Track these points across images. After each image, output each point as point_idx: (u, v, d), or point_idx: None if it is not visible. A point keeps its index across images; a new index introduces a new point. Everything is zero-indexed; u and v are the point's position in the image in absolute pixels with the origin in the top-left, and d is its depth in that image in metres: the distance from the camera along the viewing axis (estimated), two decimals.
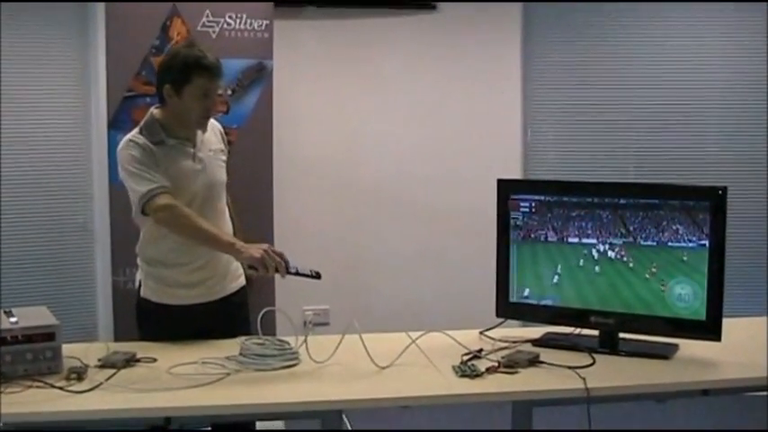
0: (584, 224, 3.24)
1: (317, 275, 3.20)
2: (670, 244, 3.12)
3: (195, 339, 3.26)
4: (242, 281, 3.54)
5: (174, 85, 3.19)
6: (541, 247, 3.31)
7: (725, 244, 3.04)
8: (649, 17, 5.44)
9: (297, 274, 3.18)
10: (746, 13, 5.43)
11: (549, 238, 3.29)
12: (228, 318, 3.40)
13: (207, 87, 3.20)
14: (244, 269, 3.42)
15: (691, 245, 3.08)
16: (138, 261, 3.42)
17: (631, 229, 3.17)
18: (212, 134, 3.41)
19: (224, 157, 3.43)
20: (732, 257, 5.16)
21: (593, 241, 3.23)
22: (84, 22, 4.96)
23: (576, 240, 3.25)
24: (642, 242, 3.15)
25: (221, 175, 3.40)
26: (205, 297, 3.36)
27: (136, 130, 3.28)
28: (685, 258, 3.11)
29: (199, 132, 3.32)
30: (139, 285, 3.42)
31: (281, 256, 3.15)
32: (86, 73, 4.97)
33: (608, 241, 3.20)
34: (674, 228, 3.10)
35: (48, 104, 4.91)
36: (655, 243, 3.14)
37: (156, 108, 3.30)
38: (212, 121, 3.45)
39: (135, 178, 3.19)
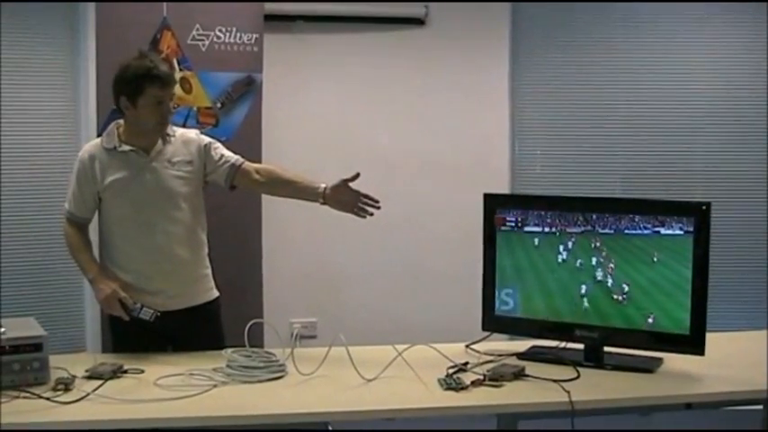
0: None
1: (156, 318, 3.32)
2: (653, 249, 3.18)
3: (164, 349, 3.34)
4: (213, 293, 3.58)
5: (129, 97, 3.31)
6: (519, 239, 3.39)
7: (709, 260, 3.07)
8: (638, 34, 5.48)
9: (138, 316, 3.30)
10: (739, 27, 5.49)
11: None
12: (195, 329, 3.45)
13: (159, 96, 3.31)
14: None
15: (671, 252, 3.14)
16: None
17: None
18: (181, 146, 3.46)
19: (187, 167, 3.45)
20: (732, 272, 5.27)
21: (575, 230, 3.31)
22: (75, 37, 4.96)
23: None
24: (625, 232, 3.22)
25: (177, 185, 3.42)
26: (169, 306, 3.39)
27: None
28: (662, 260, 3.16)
29: (159, 143, 3.40)
30: None
31: (122, 299, 3.29)
32: (77, 86, 4.97)
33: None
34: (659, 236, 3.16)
35: (37, 117, 4.91)
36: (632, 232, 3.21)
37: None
38: (189, 134, 3.54)
39: (69, 190, 3.49)
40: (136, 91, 3.29)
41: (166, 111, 3.36)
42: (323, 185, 3.41)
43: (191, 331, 3.43)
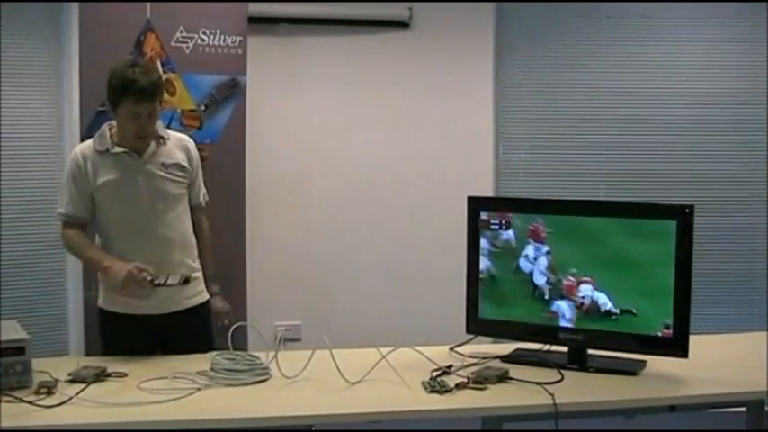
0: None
1: (186, 281, 3.35)
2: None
3: (153, 351, 3.32)
4: (203, 296, 3.58)
5: (111, 103, 3.32)
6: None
7: (692, 262, 3.07)
8: (623, 35, 5.50)
9: (165, 284, 3.31)
10: (725, 32, 5.53)
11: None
12: (185, 332, 3.45)
13: (135, 111, 3.27)
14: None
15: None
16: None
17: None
18: (175, 149, 3.47)
19: (180, 172, 3.46)
20: (731, 273, 5.33)
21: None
22: (59, 37, 4.94)
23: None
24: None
25: (170, 188, 3.43)
26: (159, 309, 3.40)
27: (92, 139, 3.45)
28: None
29: (152, 144, 3.39)
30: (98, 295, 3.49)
31: (146, 270, 3.27)
32: (60, 87, 4.95)
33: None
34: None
35: (20, 117, 4.88)
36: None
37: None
38: (182, 137, 3.54)
39: (62, 193, 3.46)
40: (114, 101, 3.29)
41: (142, 125, 3.31)
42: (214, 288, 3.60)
43: (182, 334, 3.43)
